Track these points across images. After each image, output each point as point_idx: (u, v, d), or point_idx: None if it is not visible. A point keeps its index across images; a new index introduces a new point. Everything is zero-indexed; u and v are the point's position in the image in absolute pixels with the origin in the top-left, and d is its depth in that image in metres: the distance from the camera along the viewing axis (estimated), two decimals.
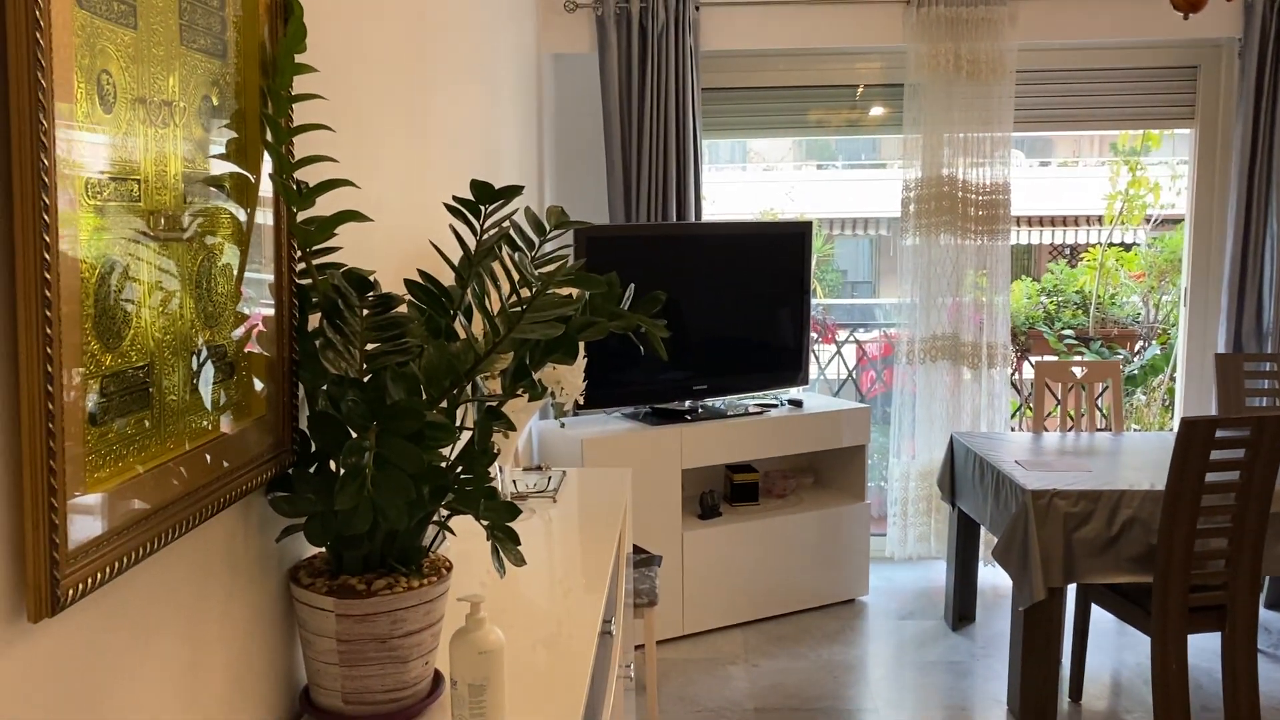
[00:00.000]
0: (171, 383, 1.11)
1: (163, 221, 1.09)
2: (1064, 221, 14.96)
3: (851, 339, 5.93)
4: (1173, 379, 5.32)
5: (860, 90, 4.68)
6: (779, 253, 4.19)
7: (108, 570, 0.99)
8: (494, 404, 1.56)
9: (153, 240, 1.07)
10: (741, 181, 15.36)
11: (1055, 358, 5.59)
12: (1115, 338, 5.48)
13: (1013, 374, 5.53)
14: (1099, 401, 4.94)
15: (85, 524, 0.95)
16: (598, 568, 2.12)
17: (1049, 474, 3.33)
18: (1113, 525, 3.15)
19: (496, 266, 2.41)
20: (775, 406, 4.21)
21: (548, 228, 1.78)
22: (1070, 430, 4.04)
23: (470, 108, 2.78)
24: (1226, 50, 4.39)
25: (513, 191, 1.52)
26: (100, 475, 0.98)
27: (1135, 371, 5.27)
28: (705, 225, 4.06)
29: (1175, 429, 4.65)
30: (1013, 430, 5.60)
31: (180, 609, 1.14)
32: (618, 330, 1.65)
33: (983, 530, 4.11)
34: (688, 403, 4.08)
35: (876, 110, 4.67)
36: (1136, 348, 5.63)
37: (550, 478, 2.74)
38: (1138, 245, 5.77)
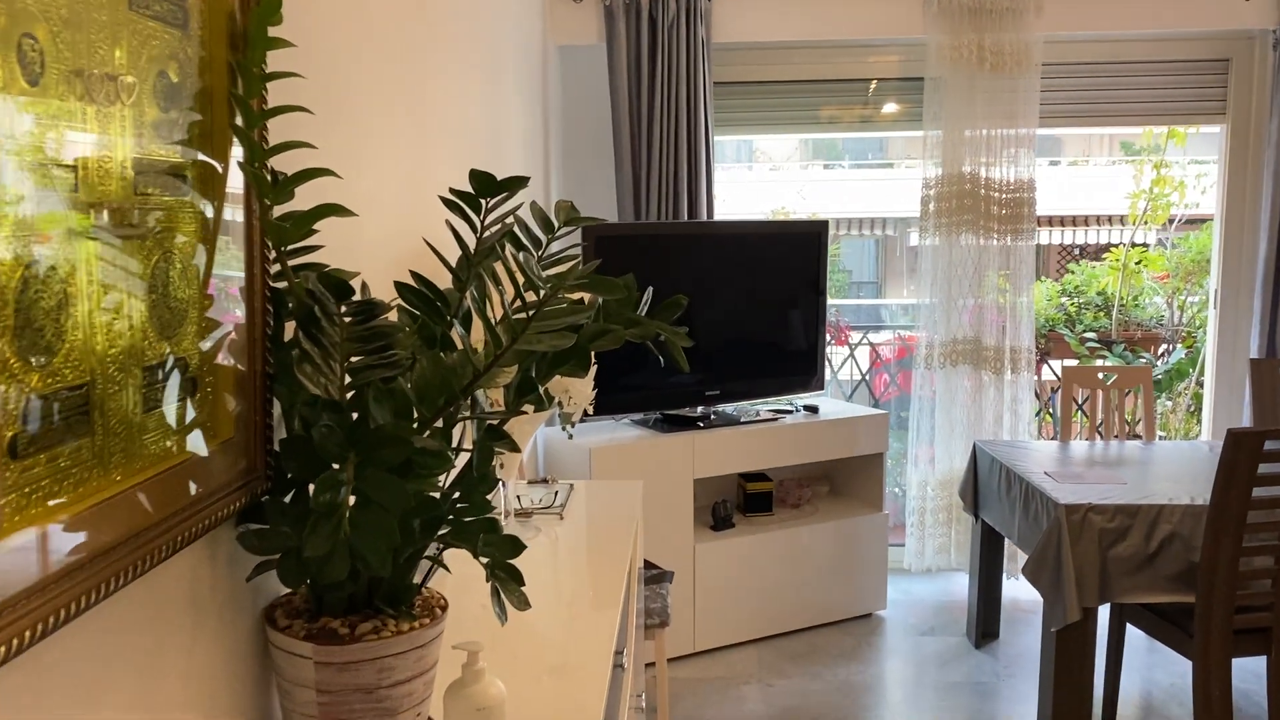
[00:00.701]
0: (118, 404, 0.95)
1: (107, 216, 0.93)
2: (1074, 221, 14.79)
3: (865, 341, 5.76)
4: (1199, 384, 5.15)
5: (873, 85, 4.51)
6: (793, 253, 4.02)
7: (37, 629, 0.83)
8: (495, 422, 1.40)
9: (95, 238, 0.90)
10: (748, 181, 15.22)
11: (1076, 361, 5.42)
12: (1139, 341, 5.31)
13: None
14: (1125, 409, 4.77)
15: (3, 577, 0.79)
16: (609, 591, 1.96)
17: (1081, 486, 3.16)
18: (1151, 542, 2.98)
19: (499, 268, 2.23)
20: (790, 412, 4.05)
21: (556, 225, 1.62)
22: (1099, 439, 3.87)
23: (473, 97, 2.62)
24: (1260, 42, 4.22)
25: (517, 183, 1.36)
26: (24, 517, 0.82)
27: (1160, 376, 5.10)
28: (717, 224, 3.90)
29: (1205, 437, 4.48)
30: (1037, 438, 5.43)
31: (133, 665, 0.98)
32: (635, 339, 1.49)
33: (1006, 542, 3.93)
34: (699, 409, 3.92)
35: (890, 107, 4.51)
36: (1160, 351, 5.46)
37: (557, 492, 2.57)
38: (1161, 246, 5.60)
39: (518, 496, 2.54)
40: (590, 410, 3.54)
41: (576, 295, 1.54)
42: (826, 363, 5.61)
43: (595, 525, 2.40)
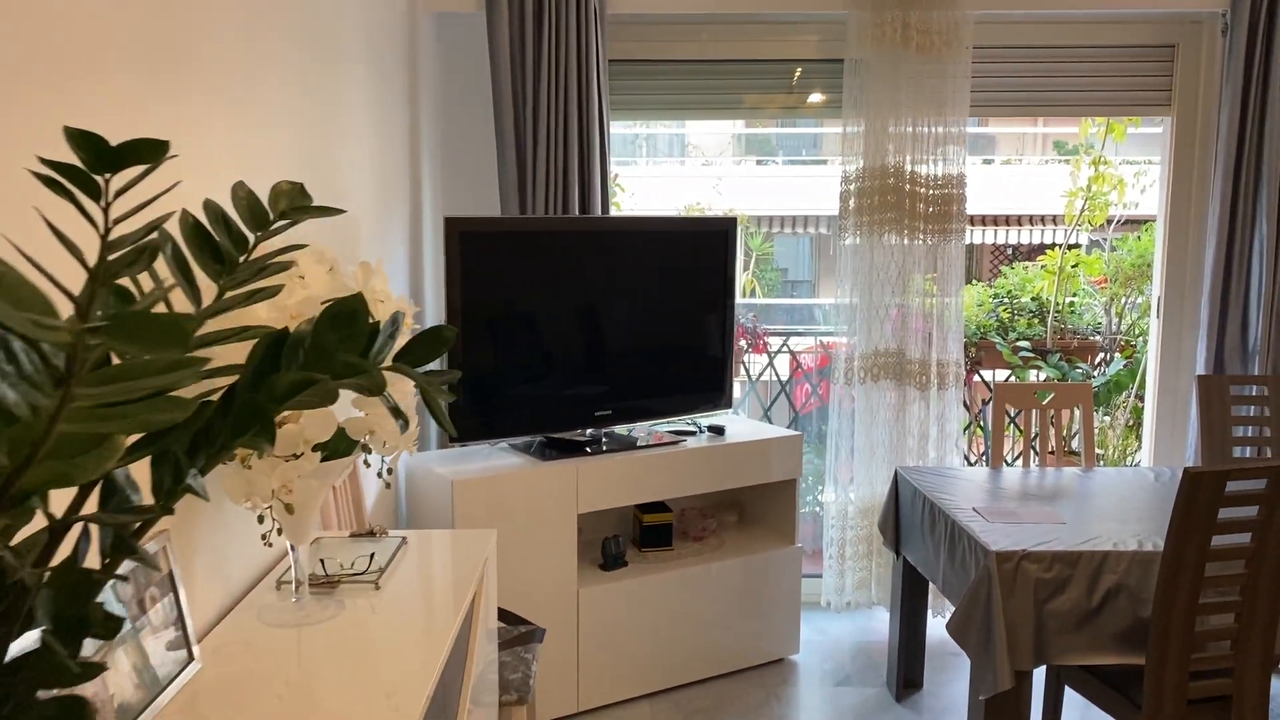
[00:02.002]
0: None
1: None
2: (1008, 221, 14.62)
3: (785, 349, 5.33)
4: (1139, 398, 4.80)
5: (797, 73, 4.06)
6: (700, 253, 3.56)
7: None
8: (126, 522, 0.90)
9: None
10: (680, 176, 14.80)
11: (1009, 372, 5.05)
12: (1075, 350, 4.96)
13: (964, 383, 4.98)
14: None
15: None
16: (415, 685, 1.48)
17: (1015, 528, 2.74)
18: (1094, 594, 2.56)
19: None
20: (693, 434, 3.58)
21: (271, 217, 1.13)
22: (1033, 464, 3.46)
23: (285, 76, 2.10)
24: (1208, 27, 3.85)
25: (150, 151, 0.86)
26: None
27: (1098, 389, 4.75)
28: (611, 220, 3.42)
29: (1146, 457, 4.11)
30: (967, 462, 5.04)
31: None
32: (361, 390, 1.00)
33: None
34: (589, 431, 3.43)
35: (816, 97, 4.06)
36: (1097, 360, 5.11)
37: (373, 554, 2.07)
38: (1099, 248, 5.26)
39: (322, 561, 2.03)
40: (453, 435, 3.02)
41: (248, 321, 1.03)
42: (741, 375, 5.18)
43: (422, 594, 1.90)
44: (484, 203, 3.91)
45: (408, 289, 3.34)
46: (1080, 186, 4.90)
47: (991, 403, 3.49)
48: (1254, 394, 3.59)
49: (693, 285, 3.56)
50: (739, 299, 17.16)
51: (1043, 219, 14.97)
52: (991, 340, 4.97)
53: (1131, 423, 4.83)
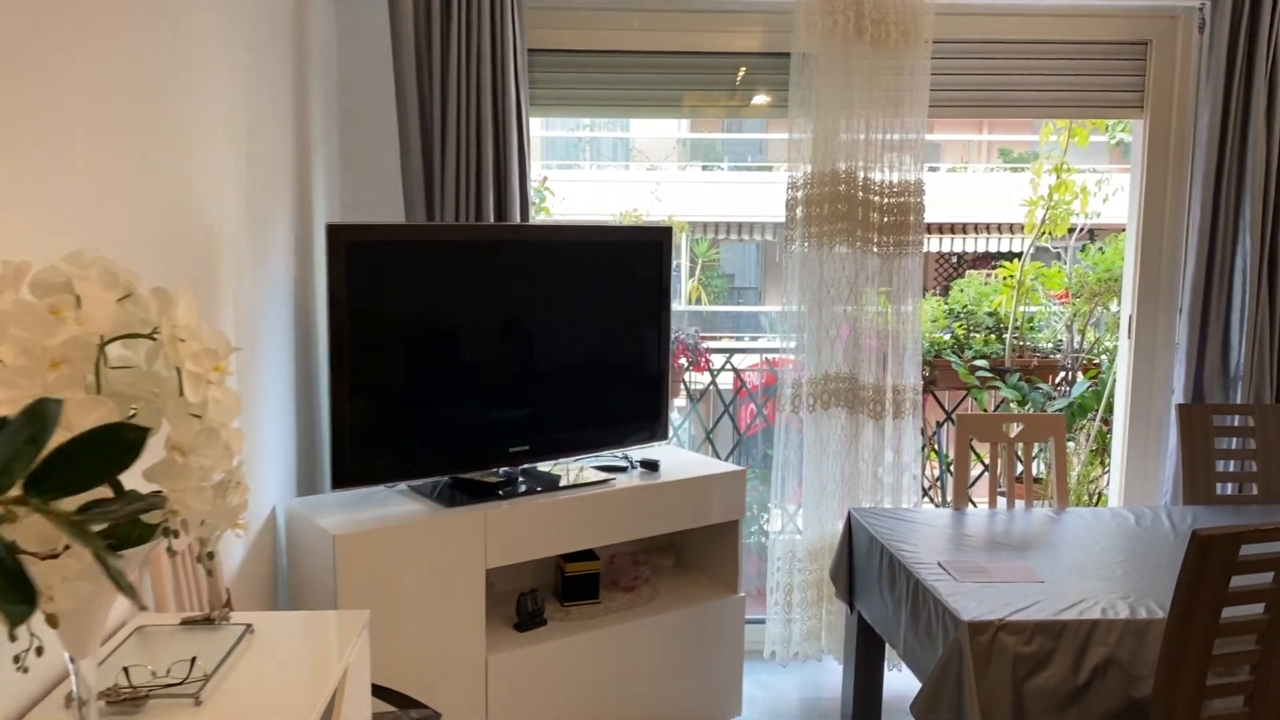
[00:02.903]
0: None
1: None
2: (953, 229, 14.46)
3: (728, 366, 4.95)
4: (1105, 421, 4.49)
5: (742, 72, 3.68)
6: (632, 265, 3.16)
7: None
8: None
9: None
10: (624, 181, 14.43)
11: (966, 393, 4.71)
12: (1035, 369, 4.65)
13: None
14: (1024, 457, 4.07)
15: None
16: None
17: (987, 589, 2.38)
18: (1081, 670, 2.20)
19: None
20: (623, 470, 3.18)
21: None
22: (999, 503, 3.12)
23: (104, 59, 1.65)
24: (1184, 22, 3.54)
25: None
26: None
27: (1061, 411, 4.43)
28: (530, 229, 3.00)
29: (1115, 491, 3.79)
30: (925, 494, 4.69)
31: None
32: None
33: None
34: (503, 470, 3.01)
35: (761, 98, 3.68)
36: (1058, 380, 4.80)
37: (194, 660, 1.63)
38: (1060, 261, 4.98)
39: (126, 670, 1.58)
40: (243, 529, 2.60)
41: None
42: (682, 396, 4.79)
43: (260, 707, 1.47)
44: (392, 208, 3.47)
45: (291, 312, 2.90)
46: (1041, 195, 4.60)
47: (950, 432, 3.13)
48: (1238, 424, 3.28)
49: (624, 301, 3.16)
50: (684, 307, 16.84)
51: (988, 227, 14.86)
52: (946, 359, 4.64)
53: (1096, 448, 4.53)
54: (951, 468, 4.39)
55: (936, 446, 4.96)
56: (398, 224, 2.75)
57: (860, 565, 2.92)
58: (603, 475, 3.09)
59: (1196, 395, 3.42)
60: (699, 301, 15.64)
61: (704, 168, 16.25)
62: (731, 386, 5.06)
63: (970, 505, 3.14)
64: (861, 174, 3.36)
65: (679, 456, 3.35)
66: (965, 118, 3.70)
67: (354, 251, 2.64)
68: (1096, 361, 4.75)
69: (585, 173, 15.18)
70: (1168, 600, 2.30)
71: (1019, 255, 4.71)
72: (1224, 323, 3.39)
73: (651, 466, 3.19)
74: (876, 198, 3.37)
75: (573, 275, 3.05)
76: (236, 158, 2.40)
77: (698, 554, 3.43)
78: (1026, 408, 4.60)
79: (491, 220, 3.24)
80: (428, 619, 2.67)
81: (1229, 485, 3.29)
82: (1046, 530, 2.85)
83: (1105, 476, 4.67)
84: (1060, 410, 4.47)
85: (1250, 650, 2.06)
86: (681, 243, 15.58)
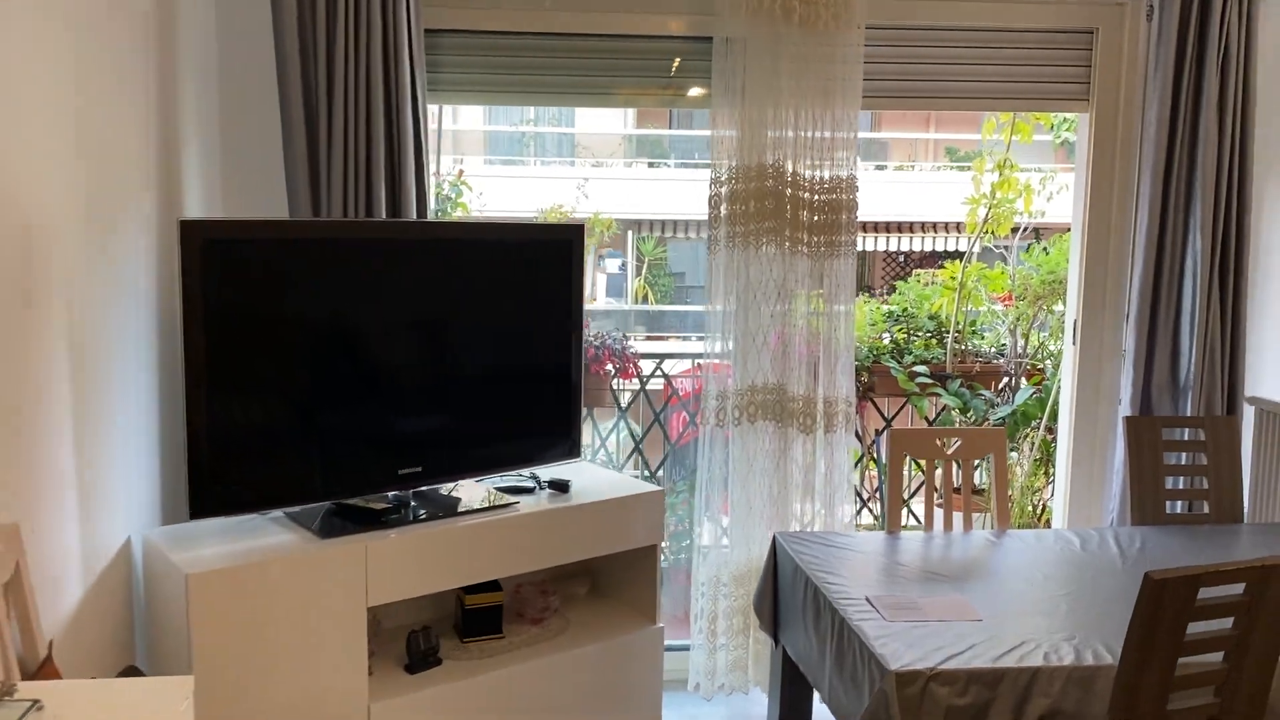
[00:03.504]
0: None
1: None
2: (900, 228, 14.37)
3: (659, 373, 4.70)
4: (1049, 429, 4.30)
5: (676, 63, 3.42)
6: (539, 267, 2.88)
7: None
8: None
9: None
10: (568, 178, 14.14)
11: (919, 418, 4.50)
12: (977, 375, 4.44)
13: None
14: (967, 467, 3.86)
15: None
16: None
17: (919, 629, 2.13)
18: None
19: None
20: (530, 492, 2.90)
21: None
22: (936, 520, 2.89)
23: None
24: (1131, 10, 3.34)
25: None
26: None
27: (1003, 419, 4.23)
28: (423, 226, 2.71)
29: (1060, 507, 3.58)
30: (861, 501, 4.45)
31: None
32: None
33: None
34: (393, 494, 2.72)
35: (695, 90, 3.42)
36: (1001, 386, 4.60)
37: None
38: (1003, 262, 4.78)
39: None
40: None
41: None
42: (613, 397, 4.52)
43: None
44: (278, 203, 3.15)
45: (154, 316, 2.58)
46: (983, 193, 4.39)
47: (884, 446, 2.89)
48: (1188, 438, 3.08)
49: (530, 306, 2.88)
50: (631, 306, 16.55)
51: (934, 226, 14.80)
52: (886, 365, 4.42)
53: (1040, 457, 4.33)
54: (881, 497, 4.19)
55: (876, 455, 4.74)
56: (263, 220, 2.44)
57: (785, 595, 2.67)
58: (506, 498, 2.81)
59: (1144, 406, 3.22)
60: (646, 300, 15.38)
61: (650, 164, 16.00)
62: (663, 393, 4.81)
63: (908, 523, 2.90)
64: (790, 168, 3.11)
65: (593, 475, 3.08)
66: (901, 109, 3.47)
67: (213, 250, 2.33)
68: (1040, 367, 4.56)
69: (522, 169, 14.85)
70: (1116, 640, 2.07)
71: (979, 263, 4.53)
72: (1173, 329, 3.20)
73: (561, 487, 2.91)
74: (806, 194, 3.13)
75: (472, 277, 2.77)
76: (64, 150, 2.08)
77: (614, 580, 3.16)
78: (969, 415, 4.39)
79: (384, 215, 2.94)
80: (301, 667, 2.37)
81: (1179, 505, 3.09)
82: (985, 556, 2.62)
83: (1050, 487, 4.48)
84: (1003, 419, 4.27)
85: (1208, 703, 1.83)
86: (628, 241, 15.33)
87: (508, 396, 2.86)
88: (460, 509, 2.71)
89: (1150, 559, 2.61)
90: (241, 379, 2.39)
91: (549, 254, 2.91)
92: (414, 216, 2.99)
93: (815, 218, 3.12)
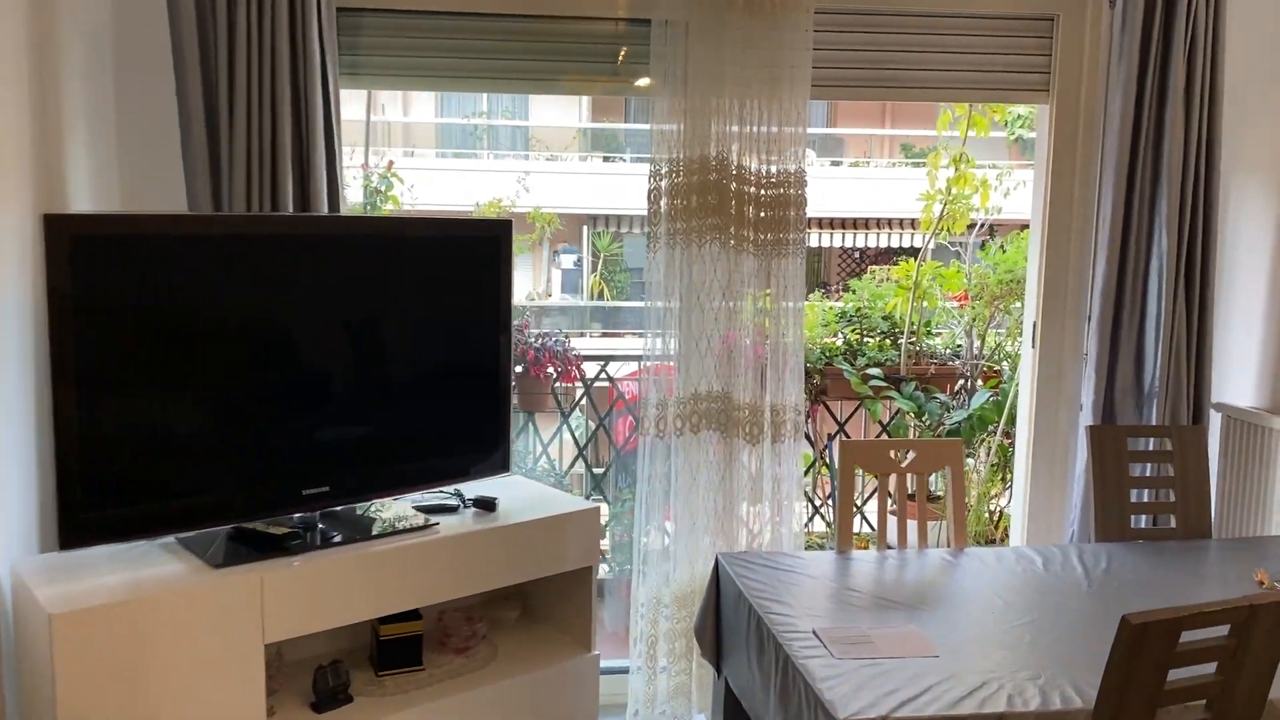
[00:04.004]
0: None
1: None
2: (855, 225, 14.27)
3: (603, 376, 4.48)
4: (1006, 434, 4.14)
5: (623, 53, 3.19)
6: (464, 265, 2.65)
7: None
8: None
9: None
10: (516, 171, 13.87)
11: (859, 404, 4.32)
12: (932, 378, 4.28)
13: (806, 419, 4.24)
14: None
15: None
16: None
17: (870, 667, 1.94)
18: None
19: None
20: (453, 511, 2.67)
21: None
22: (889, 545, 2.70)
23: None
24: None
25: None
26: None
27: (959, 423, 4.07)
28: (335, 221, 2.47)
29: (1018, 519, 3.42)
30: (812, 506, 4.27)
31: None
32: None
33: None
34: (298, 515, 2.47)
35: (644, 81, 3.20)
36: (956, 388, 4.45)
37: None
38: (958, 260, 4.62)
39: None
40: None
41: None
42: (554, 401, 4.29)
43: None
44: (177, 196, 2.88)
45: (29, 320, 2.31)
46: (939, 188, 4.22)
47: (835, 458, 2.70)
48: (1154, 448, 2.93)
49: (454, 308, 2.65)
50: (587, 302, 16.27)
51: (890, 222, 14.73)
52: (838, 367, 4.24)
53: (997, 462, 4.17)
54: (834, 504, 4.05)
55: (829, 460, 4.56)
56: (140, 214, 2.18)
57: (728, 621, 2.47)
58: (426, 519, 2.57)
59: (1107, 413, 3.06)
60: (601, 296, 15.14)
61: (605, 158, 15.76)
62: (609, 397, 4.59)
63: (861, 529, 2.71)
64: (735, 161, 2.91)
65: (524, 491, 2.86)
66: (852, 99, 3.28)
67: (84, 247, 2.07)
68: (997, 369, 4.41)
69: (473, 162, 14.56)
70: (1086, 678, 1.89)
71: (933, 261, 4.36)
72: (1137, 332, 3.04)
73: (487, 506, 2.68)
74: (752, 189, 2.92)
75: (389, 277, 2.53)
76: None
77: (547, 603, 2.94)
78: (923, 419, 4.23)
79: (291, 209, 2.69)
80: (188, 713, 2.12)
81: (1143, 519, 2.93)
82: (942, 579, 2.44)
83: (1007, 493, 4.33)
84: (959, 423, 4.10)
85: None
86: (583, 236, 15.08)
87: (429, 406, 2.62)
88: (375, 531, 2.48)
89: (1117, 581, 2.44)
90: (120, 390, 2.14)
91: (475, 252, 2.68)
92: (325, 210, 2.74)
93: (762, 214, 2.91)
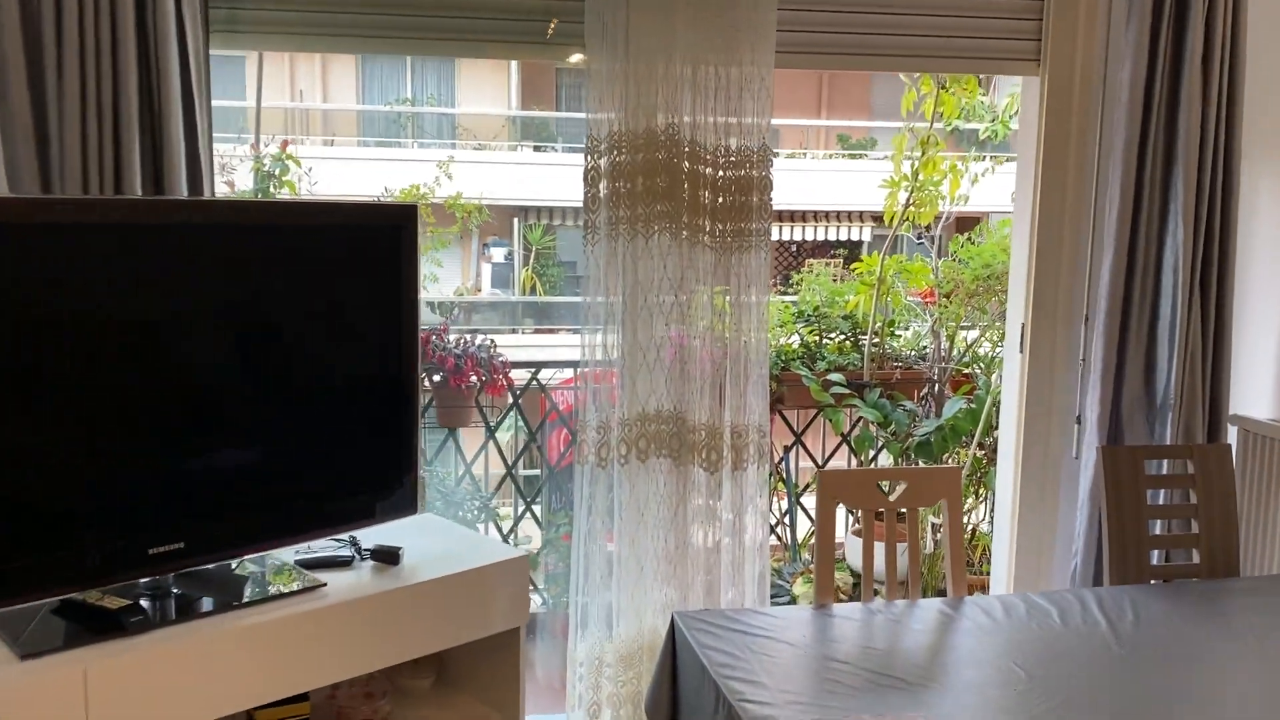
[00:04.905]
0: None
1: None
2: (792, 217, 13.95)
3: (534, 382, 4.00)
4: (980, 445, 3.76)
5: (553, 25, 2.70)
6: (357, 260, 2.15)
7: None
8: None
9: None
10: (437, 160, 13.25)
11: (818, 412, 3.90)
12: (899, 384, 3.88)
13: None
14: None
15: None
16: None
17: None
18: None
19: None
20: (346, 565, 2.17)
21: None
22: (875, 592, 2.27)
23: None
24: None
25: None
26: None
27: (929, 437, 3.67)
28: (192, 207, 1.95)
29: (1005, 552, 3.02)
30: (776, 536, 3.82)
31: None
32: None
33: None
34: (144, 581, 1.95)
35: (577, 56, 2.71)
36: (922, 393, 4.05)
37: None
38: (922, 253, 4.23)
39: None
40: None
41: None
42: (481, 414, 3.78)
43: None
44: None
45: None
46: (904, 174, 3.82)
47: (814, 499, 2.26)
48: (1172, 471, 2.54)
49: (346, 312, 2.15)
50: (519, 297, 15.69)
51: (829, 215, 14.44)
52: (796, 372, 3.82)
53: (972, 474, 3.79)
54: (790, 522, 3.66)
55: (785, 473, 4.14)
56: None
57: (687, 699, 2.01)
58: (312, 577, 2.07)
59: (1114, 429, 2.67)
60: (534, 291, 14.60)
61: (536, 148, 15.24)
62: (540, 408, 4.12)
63: (847, 579, 2.28)
64: (688, 137, 2.45)
65: (434, 535, 2.36)
66: (822, 69, 2.84)
67: None
68: (967, 372, 4.02)
69: (397, 150, 13.93)
70: None
71: (859, 245, 3.96)
72: (1147, 335, 2.65)
73: (389, 557, 2.19)
74: (708, 170, 2.46)
75: (263, 275, 2.02)
76: None
77: (467, 668, 2.45)
78: (889, 429, 3.82)
79: (139, 193, 2.17)
80: None
81: (1163, 555, 2.54)
82: (946, 641, 2.01)
83: (982, 507, 3.95)
84: (929, 434, 3.70)
85: None
86: (514, 228, 14.53)
87: (315, 433, 2.12)
88: (245, 597, 1.97)
89: (1150, 638, 2.04)
90: None
91: (373, 243, 2.18)
92: (185, 194, 2.22)
93: (720, 199, 2.46)
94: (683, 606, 2.48)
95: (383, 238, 2.19)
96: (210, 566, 2.06)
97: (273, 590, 2.00)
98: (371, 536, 2.26)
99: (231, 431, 2.01)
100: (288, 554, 2.18)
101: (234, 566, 2.10)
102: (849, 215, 14.31)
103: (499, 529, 3.81)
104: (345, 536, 2.25)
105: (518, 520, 3.85)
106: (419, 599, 2.10)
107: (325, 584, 2.05)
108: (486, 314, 14.74)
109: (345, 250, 2.14)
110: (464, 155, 14.31)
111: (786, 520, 4.16)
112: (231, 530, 2.01)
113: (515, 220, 15.00)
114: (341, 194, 6.50)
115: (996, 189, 4.44)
